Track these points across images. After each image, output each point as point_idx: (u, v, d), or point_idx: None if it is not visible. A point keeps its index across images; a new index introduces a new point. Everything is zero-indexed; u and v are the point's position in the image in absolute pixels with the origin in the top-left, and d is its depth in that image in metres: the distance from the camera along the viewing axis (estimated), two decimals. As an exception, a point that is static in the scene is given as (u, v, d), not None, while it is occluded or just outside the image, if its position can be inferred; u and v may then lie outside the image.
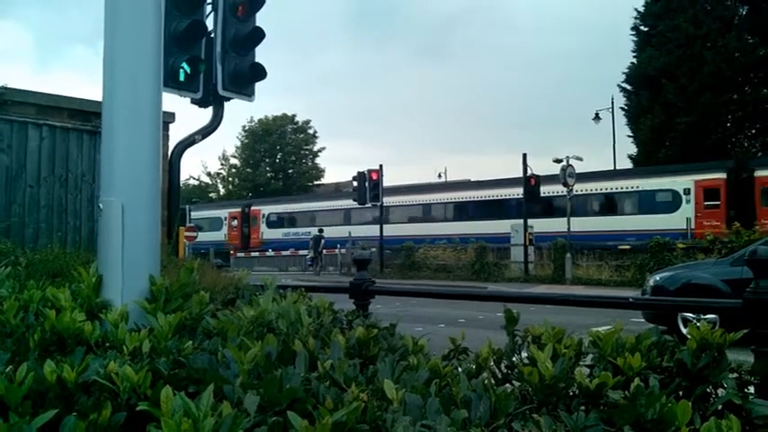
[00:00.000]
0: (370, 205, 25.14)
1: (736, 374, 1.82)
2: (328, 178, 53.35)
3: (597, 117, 34.12)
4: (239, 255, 34.11)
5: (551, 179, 22.36)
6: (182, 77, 5.44)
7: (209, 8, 5.76)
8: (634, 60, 30.67)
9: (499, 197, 27.48)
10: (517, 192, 24.19)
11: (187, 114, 6.68)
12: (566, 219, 20.93)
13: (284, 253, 32.79)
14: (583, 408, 1.61)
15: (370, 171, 24.23)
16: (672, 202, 23.36)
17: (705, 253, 16.06)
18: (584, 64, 76.70)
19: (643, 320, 8.31)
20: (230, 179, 53.74)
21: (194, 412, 1.28)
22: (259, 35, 5.82)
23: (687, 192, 23.02)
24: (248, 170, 52.11)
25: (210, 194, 53.41)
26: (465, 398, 1.52)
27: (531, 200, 22.27)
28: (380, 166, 24.42)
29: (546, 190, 23.13)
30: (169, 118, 6.17)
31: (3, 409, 1.41)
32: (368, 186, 23.99)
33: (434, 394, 1.52)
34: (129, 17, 2.59)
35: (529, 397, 1.71)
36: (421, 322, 9.34)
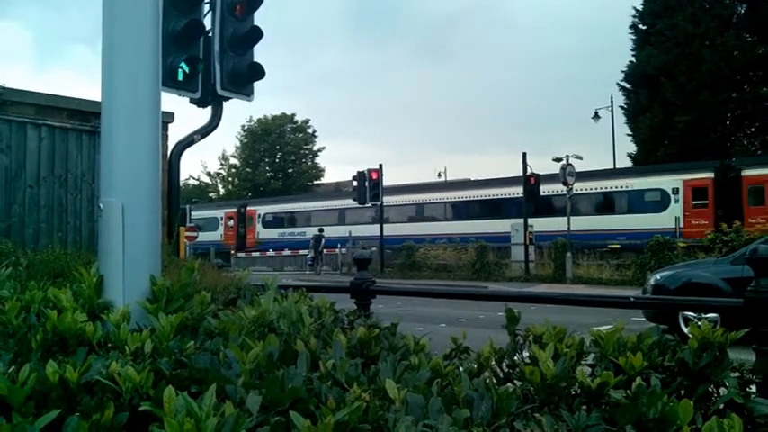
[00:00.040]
0: (369, 205, 25.15)
1: (737, 373, 1.82)
2: (328, 178, 53.40)
3: (597, 116, 34.11)
4: (240, 254, 34.12)
5: (549, 178, 22.45)
6: (180, 77, 5.43)
7: (206, 7, 5.76)
8: (633, 59, 30.68)
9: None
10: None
11: (186, 114, 6.70)
12: (561, 217, 21.02)
13: (285, 253, 32.80)
14: (584, 407, 1.61)
15: (369, 171, 24.22)
16: (661, 202, 23.58)
17: (706, 252, 16.08)
18: (584, 64, 76.79)
19: (644, 319, 8.31)
20: (230, 179, 53.72)
21: (197, 412, 1.28)
22: (257, 34, 5.82)
23: (676, 191, 23.24)
24: (248, 170, 52.09)
25: (210, 194, 53.39)
26: (467, 397, 1.52)
27: (530, 199, 22.29)
28: (380, 165, 24.44)
29: (543, 189, 23.18)
30: (168, 118, 6.17)
31: (6, 409, 1.41)
32: (368, 186, 23.98)
33: (436, 394, 1.52)
34: (127, 17, 2.58)
35: (530, 396, 1.71)
36: (422, 322, 9.34)
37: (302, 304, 2.39)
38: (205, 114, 6.00)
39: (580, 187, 22.97)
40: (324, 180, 52.83)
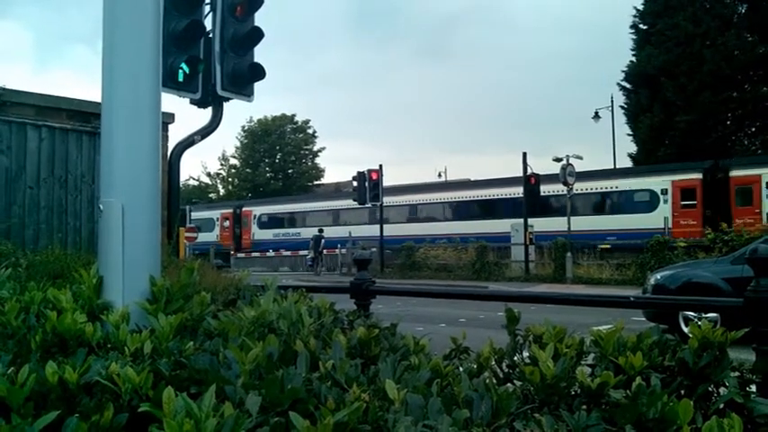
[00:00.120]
0: (369, 205, 25.16)
1: (737, 373, 1.82)
2: (328, 178, 53.42)
3: (597, 116, 34.12)
4: (239, 255, 34.17)
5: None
6: (181, 78, 5.43)
7: (207, 8, 5.76)
8: (633, 59, 30.67)
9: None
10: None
11: (186, 115, 6.71)
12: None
13: (285, 253, 32.84)
14: (584, 407, 1.61)
15: (369, 171, 24.22)
16: (650, 202, 23.82)
17: (706, 251, 16.08)
18: (584, 64, 76.78)
19: (644, 319, 8.30)
20: (230, 179, 53.73)
21: (196, 413, 1.28)
22: (258, 35, 5.82)
23: (665, 192, 23.47)
24: (248, 170, 52.11)
25: (210, 195, 53.41)
26: (467, 397, 1.52)
27: (531, 199, 22.31)
28: (380, 165, 24.46)
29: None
30: (168, 118, 6.17)
31: (5, 410, 1.41)
32: (368, 186, 23.99)
33: (436, 394, 1.52)
34: (127, 17, 2.58)
35: (530, 396, 1.71)
36: (422, 322, 9.34)
37: (302, 305, 2.39)
38: (205, 115, 6.01)
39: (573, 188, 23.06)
40: (324, 180, 52.87)
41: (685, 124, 26.99)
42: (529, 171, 22.22)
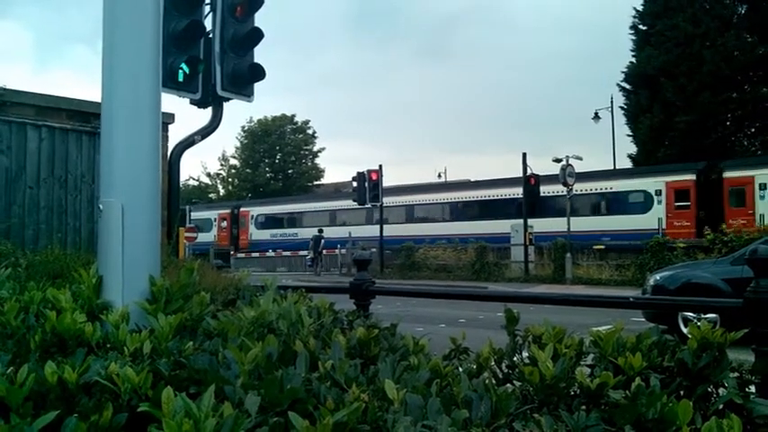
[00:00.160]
0: (369, 205, 25.16)
1: (737, 374, 1.82)
2: (328, 178, 53.43)
3: (597, 116, 34.14)
4: (239, 255, 34.20)
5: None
6: (180, 78, 5.43)
7: (207, 8, 5.76)
8: (633, 59, 30.68)
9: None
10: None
11: (186, 115, 6.71)
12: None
13: (285, 253, 32.88)
14: (584, 407, 1.61)
15: (369, 171, 24.21)
16: (644, 203, 23.95)
17: (705, 252, 16.09)
18: (584, 64, 76.79)
19: (643, 320, 8.31)
20: (230, 180, 53.74)
21: (195, 413, 1.28)
22: (258, 35, 5.82)
23: (659, 193, 23.62)
24: (248, 171, 52.11)
25: (210, 195, 53.41)
26: (466, 398, 1.52)
27: (530, 199, 22.34)
28: (380, 166, 24.45)
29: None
30: (168, 119, 6.17)
31: (4, 410, 1.40)
32: (367, 187, 23.98)
33: (435, 394, 1.52)
34: (127, 17, 2.59)
35: (530, 397, 1.71)
36: (421, 322, 9.34)
37: (301, 305, 2.39)
38: (205, 115, 6.01)
39: (562, 189, 23.14)
40: (324, 181, 52.88)
41: (685, 125, 26.99)
42: (528, 171, 22.23)
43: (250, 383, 1.52)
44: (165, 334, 1.96)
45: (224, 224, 37.57)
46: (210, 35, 5.74)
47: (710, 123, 27.33)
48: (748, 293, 2.77)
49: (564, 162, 20.83)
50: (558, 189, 22.27)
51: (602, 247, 21.47)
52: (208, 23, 5.72)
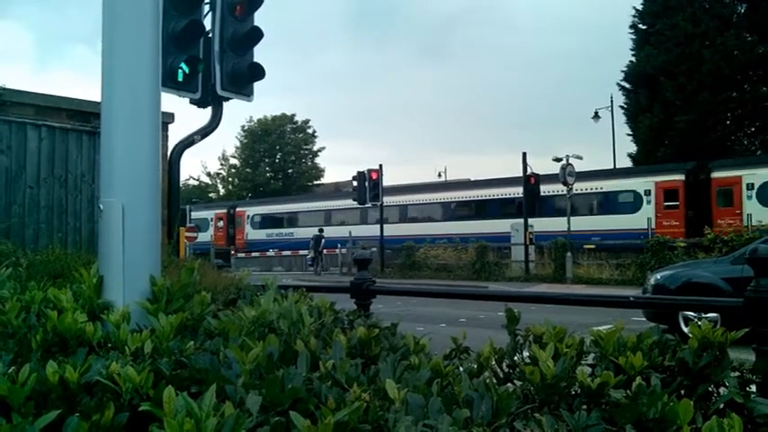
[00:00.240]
0: (370, 205, 25.16)
1: (737, 373, 1.82)
2: (328, 178, 53.44)
3: (597, 116, 34.13)
4: (240, 255, 34.23)
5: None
6: (180, 77, 5.43)
7: (206, 8, 5.76)
8: (633, 59, 30.67)
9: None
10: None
11: (186, 114, 6.71)
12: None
13: (286, 253, 32.90)
14: (584, 407, 1.61)
15: (369, 171, 24.20)
16: (633, 203, 24.15)
17: (705, 251, 16.10)
18: (584, 64, 76.81)
19: (644, 319, 8.30)
20: (230, 179, 53.74)
21: (197, 412, 1.28)
22: (257, 35, 5.81)
23: (648, 193, 23.80)
24: (248, 170, 52.11)
25: (210, 195, 53.42)
26: (467, 397, 1.52)
27: (530, 199, 22.36)
28: (380, 165, 24.43)
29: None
30: (168, 118, 6.17)
31: (5, 409, 1.41)
32: (368, 186, 23.97)
33: (436, 394, 1.52)
34: (127, 17, 2.58)
35: (531, 396, 1.71)
36: (422, 322, 9.34)
37: (302, 304, 2.39)
38: (205, 115, 6.01)
39: (558, 189, 23.18)
40: (324, 180, 52.87)
41: (685, 124, 26.99)
42: (529, 171, 22.22)
43: (251, 383, 1.53)
44: (165, 333, 1.97)
45: (220, 224, 37.67)
46: (210, 34, 5.73)
47: (710, 123, 27.33)
48: (749, 293, 2.77)
49: (564, 161, 20.83)
50: (554, 189, 22.33)
51: (593, 246, 21.57)
52: (207, 23, 5.72)
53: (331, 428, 1.26)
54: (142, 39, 2.59)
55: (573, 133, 75.75)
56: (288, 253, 32.65)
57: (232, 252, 33.96)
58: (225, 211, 38.33)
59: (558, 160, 20.96)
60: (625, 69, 31.19)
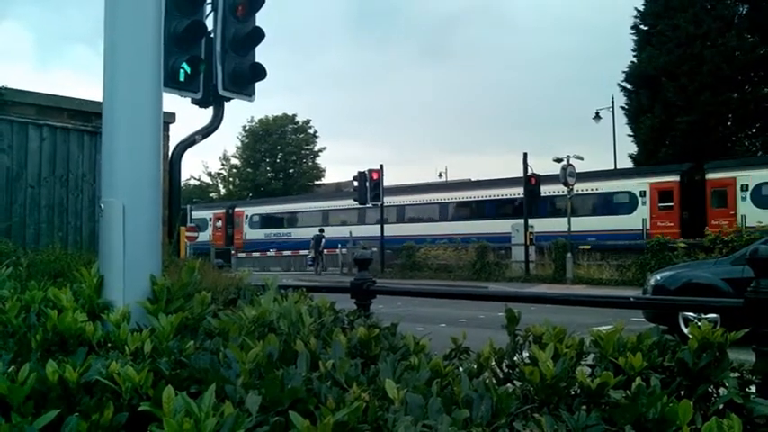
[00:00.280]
0: (371, 205, 25.17)
1: (737, 374, 1.82)
2: (329, 178, 53.44)
3: (597, 116, 34.13)
4: (240, 255, 34.27)
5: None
6: (182, 78, 5.44)
7: (208, 8, 5.76)
8: (634, 59, 30.65)
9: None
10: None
11: (187, 114, 6.70)
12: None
13: (286, 253, 32.92)
14: (584, 407, 1.61)
15: (370, 171, 24.20)
16: (628, 204, 24.28)
17: (706, 252, 16.10)
18: (585, 64, 76.83)
19: (644, 320, 8.31)
20: (231, 179, 53.75)
21: (196, 412, 1.28)
22: (259, 35, 5.82)
23: (643, 194, 23.93)
24: (249, 170, 52.12)
25: (211, 194, 53.43)
26: (466, 397, 1.52)
27: (531, 199, 22.37)
28: (381, 166, 24.43)
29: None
30: (169, 118, 6.17)
31: (5, 409, 1.41)
32: (368, 186, 23.97)
33: (436, 394, 1.52)
34: (129, 17, 2.59)
35: (530, 396, 1.71)
36: (422, 322, 9.33)
37: (302, 304, 2.39)
38: (206, 115, 6.02)
39: (555, 190, 23.16)
40: (325, 180, 52.87)
41: (686, 125, 26.97)
42: (529, 171, 22.23)
43: (251, 383, 1.53)
44: (165, 333, 1.97)
45: (219, 224, 37.74)
46: (212, 35, 5.74)
47: (711, 123, 27.30)
48: (749, 293, 2.77)
49: (565, 162, 20.82)
50: (554, 189, 22.33)
51: (588, 247, 21.63)
52: (209, 23, 5.73)
53: (330, 428, 1.26)
54: (144, 39, 2.59)
55: (573, 133, 75.80)
56: (288, 253, 32.67)
57: (232, 252, 34.01)
58: (223, 211, 38.42)
59: (559, 161, 20.95)
60: (626, 70, 31.17)
